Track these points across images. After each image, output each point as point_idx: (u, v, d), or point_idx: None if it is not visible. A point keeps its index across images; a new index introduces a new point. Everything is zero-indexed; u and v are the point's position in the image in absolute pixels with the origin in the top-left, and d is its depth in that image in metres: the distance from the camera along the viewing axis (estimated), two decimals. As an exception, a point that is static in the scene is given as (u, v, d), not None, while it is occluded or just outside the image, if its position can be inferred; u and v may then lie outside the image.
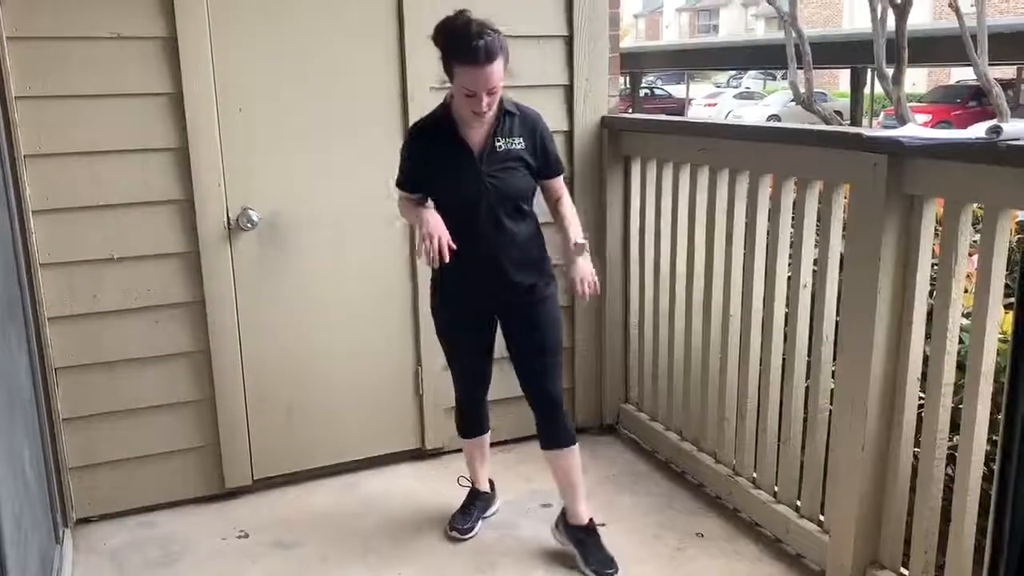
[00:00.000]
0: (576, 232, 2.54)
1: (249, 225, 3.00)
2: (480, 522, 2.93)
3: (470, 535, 2.87)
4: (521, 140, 2.50)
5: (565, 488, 2.72)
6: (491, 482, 3.03)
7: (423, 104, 3.13)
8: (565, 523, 2.74)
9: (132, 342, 2.95)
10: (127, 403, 2.98)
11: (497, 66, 2.29)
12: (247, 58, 2.93)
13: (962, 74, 24.39)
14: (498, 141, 2.47)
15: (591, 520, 2.72)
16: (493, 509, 3.01)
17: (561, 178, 2.65)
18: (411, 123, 3.12)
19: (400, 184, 2.60)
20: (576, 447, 2.69)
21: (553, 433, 2.67)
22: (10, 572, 1.85)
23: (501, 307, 2.63)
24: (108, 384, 2.95)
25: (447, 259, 2.34)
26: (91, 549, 2.87)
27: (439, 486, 3.23)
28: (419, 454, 3.43)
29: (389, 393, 3.34)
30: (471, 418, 2.89)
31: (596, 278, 2.50)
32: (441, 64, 2.38)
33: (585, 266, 2.48)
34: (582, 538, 2.70)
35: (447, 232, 2.38)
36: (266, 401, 3.16)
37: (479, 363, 2.75)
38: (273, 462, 3.22)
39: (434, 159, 2.49)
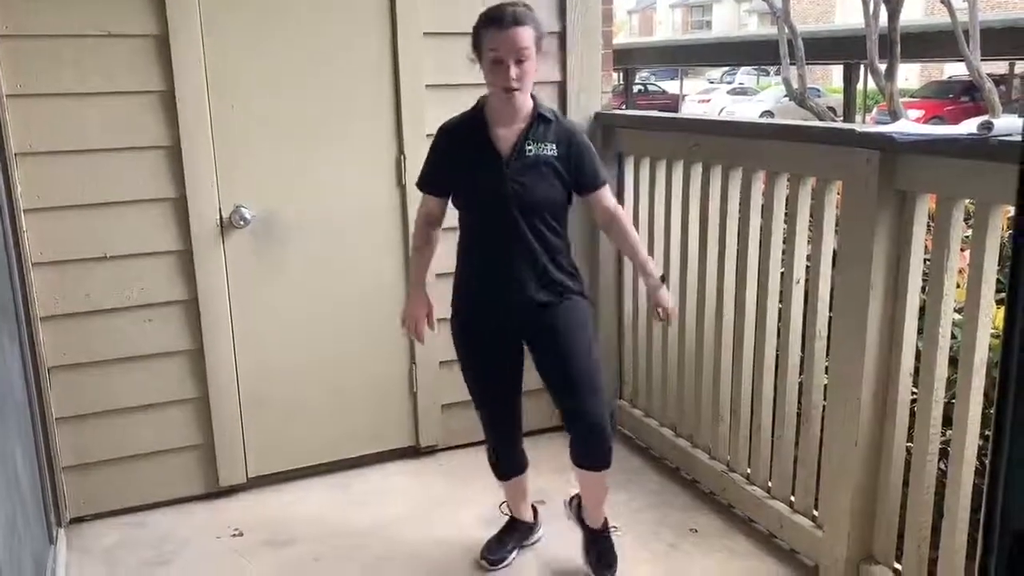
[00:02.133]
0: (651, 264, 2.53)
1: (242, 223, 2.99)
2: (515, 552, 2.73)
3: (501, 566, 2.68)
4: (555, 147, 2.35)
5: (588, 499, 2.61)
6: (535, 509, 2.82)
7: (417, 101, 3.14)
8: (580, 512, 2.66)
9: (125, 341, 2.94)
10: (120, 402, 2.97)
11: (525, 32, 2.20)
12: (239, 55, 2.92)
13: (955, 69, 24.46)
14: (528, 145, 2.33)
15: (605, 521, 2.64)
16: (535, 538, 2.81)
17: (607, 189, 2.48)
18: (403, 119, 3.14)
19: (420, 184, 2.48)
20: (606, 468, 2.48)
21: (584, 453, 2.44)
22: (3, 572, 1.84)
23: (520, 326, 2.43)
24: (101, 383, 2.94)
25: (421, 342, 2.50)
26: (85, 549, 2.86)
27: (433, 484, 3.23)
28: (413, 452, 3.43)
29: (383, 391, 3.33)
30: (504, 461, 2.65)
31: (674, 308, 2.55)
32: (472, 47, 2.30)
33: (664, 296, 2.52)
34: (594, 537, 2.63)
35: (424, 317, 2.48)
36: (260, 399, 3.15)
37: (500, 393, 2.51)
38: (267, 460, 3.22)
39: (459, 157, 2.37)
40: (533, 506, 2.80)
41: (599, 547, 2.61)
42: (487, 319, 2.45)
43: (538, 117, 2.36)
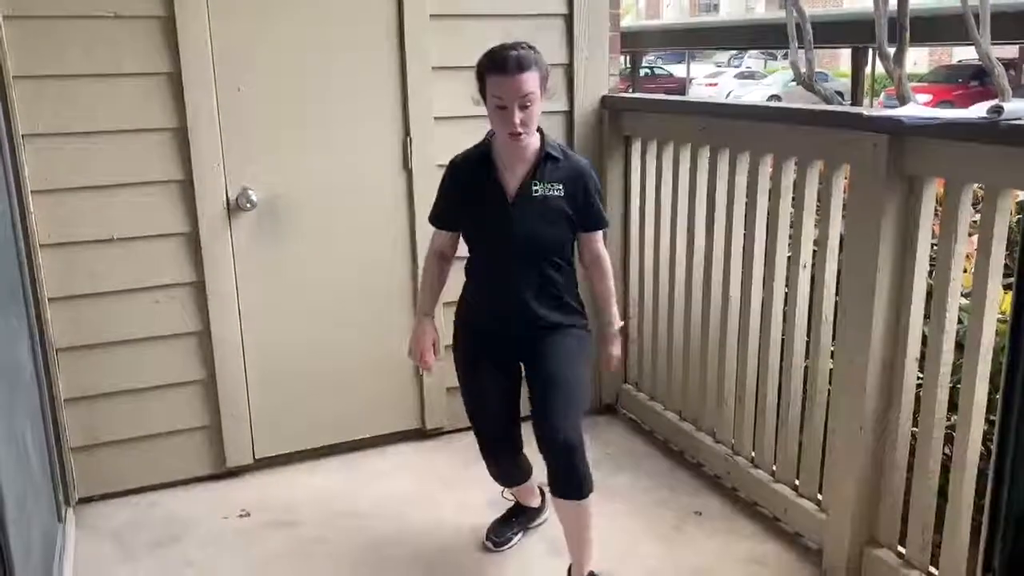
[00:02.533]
0: (615, 316, 2.52)
1: (249, 205, 2.99)
2: (521, 534, 2.75)
3: (506, 547, 2.71)
4: (561, 187, 2.31)
5: (572, 540, 2.42)
6: (541, 492, 2.78)
7: (424, 83, 3.13)
8: None
9: (133, 322, 2.95)
10: (128, 383, 2.99)
11: (529, 76, 2.16)
12: (246, 38, 2.92)
13: (964, 53, 24.28)
14: (535, 186, 2.30)
15: (591, 573, 2.42)
16: (540, 520, 2.81)
17: (600, 235, 2.46)
18: (409, 102, 3.13)
19: (432, 219, 2.48)
20: (589, 500, 2.33)
21: (564, 481, 2.31)
22: (13, 550, 1.86)
23: (518, 351, 2.42)
24: (109, 364, 2.95)
25: (430, 372, 2.55)
26: (93, 528, 2.89)
27: (439, 466, 3.24)
28: (419, 434, 3.44)
29: (389, 373, 3.34)
30: (503, 478, 2.65)
31: (620, 359, 2.57)
32: (478, 89, 2.26)
33: (618, 346, 2.54)
34: None
35: (431, 348, 2.47)
36: (266, 381, 3.17)
37: (496, 421, 2.48)
38: (274, 442, 3.24)
39: (468, 196, 2.36)
40: (540, 489, 2.80)
41: None
42: (489, 347, 2.45)
43: (545, 156, 2.32)
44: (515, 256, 2.33)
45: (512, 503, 2.78)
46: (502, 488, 2.73)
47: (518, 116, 2.18)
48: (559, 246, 2.37)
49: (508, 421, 2.49)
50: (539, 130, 2.32)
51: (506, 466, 2.60)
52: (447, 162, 2.45)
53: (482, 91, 2.25)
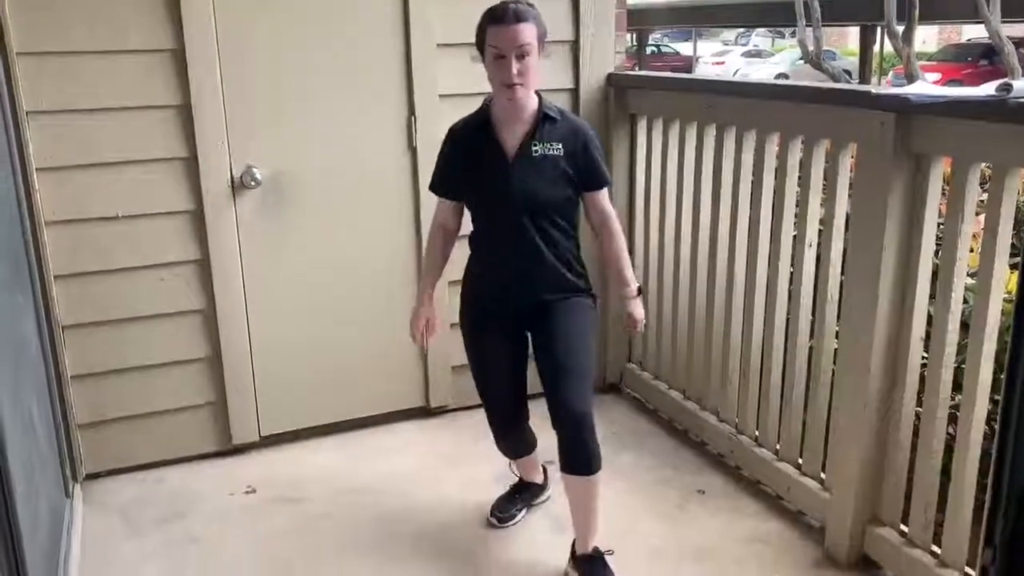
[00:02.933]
0: (631, 274, 2.51)
1: (253, 183, 2.99)
2: (525, 511, 2.78)
3: (510, 523, 2.74)
4: (561, 147, 2.32)
5: (578, 515, 2.43)
6: (544, 470, 2.82)
7: (429, 61, 3.11)
8: (574, 558, 2.48)
9: (138, 300, 2.96)
10: (134, 360, 3.00)
11: (526, 27, 2.19)
12: (250, 14, 2.90)
13: (973, 32, 24.05)
14: (535, 145, 2.31)
15: (596, 549, 2.43)
16: (544, 497, 2.84)
17: (605, 193, 2.45)
18: (414, 80, 3.12)
19: (433, 187, 2.48)
20: (597, 476, 2.36)
21: (573, 455, 2.33)
22: (21, 525, 1.88)
23: (525, 321, 2.43)
24: (115, 341, 2.96)
25: (424, 350, 2.48)
26: (100, 503, 2.91)
27: (444, 443, 3.26)
28: (424, 412, 3.46)
29: (394, 351, 3.35)
30: (510, 448, 2.68)
31: (643, 320, 2.55)
32: (477, 46, 2.29)
33: (639, 308, 2.52)
34: (587, 570, 2.42)
35: (422, 329, 2.48)
36: (272, 358, 3.18)
37: (504, 389, 2.51)
38: (279, 419, 3.25)
39: (468, 160, 2.37)
40: (543, 467, 2.82)
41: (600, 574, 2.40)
42: (494, 317, 2.45)
43: (544, 117, 2.33)
44: (516, 218, 2.32)
45: (516, 480, 2.80)
46: (508, 461, 2.76)
47: (515, 66, 2.20)
48: (560, 206, 2.36)
49: (515, 392, 2.52)
50: (537, 93, 2.33)
51: (512, 438, 2.63)
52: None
53: (480, 46, 2.28)
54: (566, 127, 2.37)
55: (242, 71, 2.92)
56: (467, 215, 2.48)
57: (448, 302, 2.68)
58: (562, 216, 2.37)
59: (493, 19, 2.22)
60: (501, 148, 2.33)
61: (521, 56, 2.20)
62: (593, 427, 2.32)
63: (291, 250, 3.12)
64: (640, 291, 2.53)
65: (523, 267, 2.36)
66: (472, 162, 2.37)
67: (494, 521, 2.73)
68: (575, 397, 2.31)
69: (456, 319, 2.56)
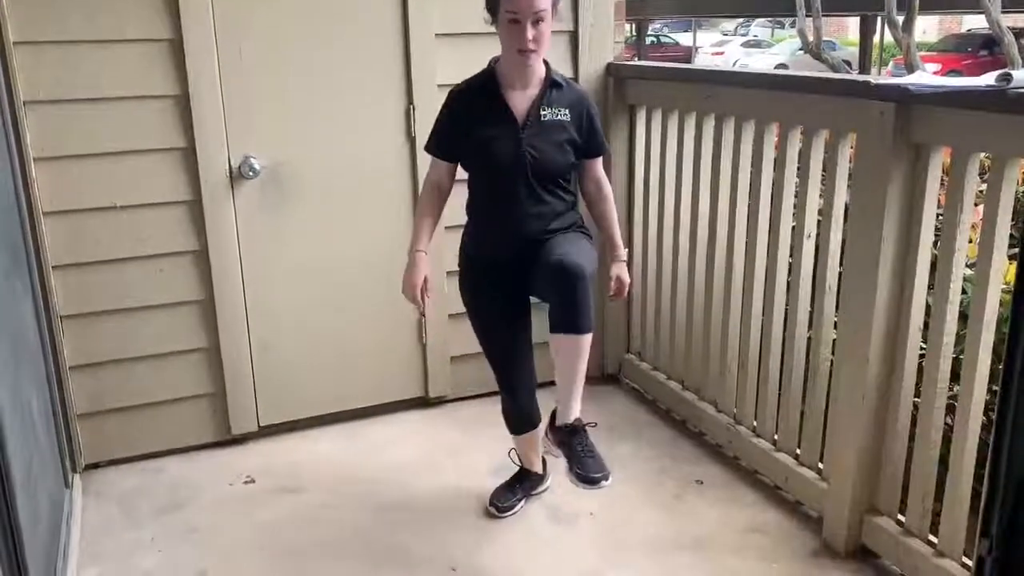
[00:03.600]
0: (620, 240, 2.56)
1: (251, 173, 2.98)
2: (523, 501, 2.78)
3: (509, 513, 2.73)
4: (567, 112, 2.37)
5: (564, 381, 2.33)
6: (544, 461, 2.81)
7: (427, 51, 3.11)
8: (552, 427, 2.42)
9: (136, 290, 2.96)
10: (133, 351, 3.00)
11: None
12: (248, 3, 2.89)
13: (974, 22, 23.99)
14: (544, 110, 2.34)
15: (578, 420, 2.35)
16: (543, 487, 2.84)
17: (601, 160, 2.51)
18: (413, 70, 3.11)
19: (430, 147, 2.46)
20: (588, 337, 2.26)
21: (566, 311, 2.22)
22: (21, 515, 1.88)
23: (524, 272, 2.39)
24: (114, 332, 2.96)
25: (422, 311, 2.53)
26: (100, 494, 2.92)
27: (443, 434, 3.26)
28: (423, 402, 3.46)
29: (393, 342, 3.35)
30: (517, 410, 2.62)
31: (628, 285, 2.56)
32: (489, 15, 2.28)
33: (625, 273, 2.54)
34: (569, 440, 2.34)
35: (422, 285, 2.41)
36: (270, 349, 3.18)
37: (507, 335, 2.52)
38: (278, 409, 3.26)
39: (473, 121, 2.36)
40: (543, 457, 2.81)
41: (578, 457, 2.31)
42: (494, 277, 2.47)
43: (551, 83, 2.36)
44: (521, 182, 2.34)
45: (517, 469, 2.79)
46: (509, 449, 2.76)
47: (530, 32, 2.21)
48: (564, 171, 2.41)
49: (520, 347, 2.54)
50: (544, 61, 2.35)
51: (522, 397, 2.59)
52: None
53: (492, 8, 2.27)
54: (572, 94, 2.41)
55: (240, 61, 2.91)
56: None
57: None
58: (565, 180, 2.42)
59: None
60: (510, 111, 2.34)
61: (536, 22, 2.21)
62: (588, 288, 2.21)
63: (290, 240, 3.12)
64: (624, 256, 2.57)
65: (525, 227, 2.37)
66: (480, 125, 2.35)
67: (493, 511, 2.73)
68: (574, 256, 2.23)
69: (451, 268, 2.57)
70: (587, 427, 2.36)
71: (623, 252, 2.56)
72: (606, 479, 2.29)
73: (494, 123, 2.34)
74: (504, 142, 2.33)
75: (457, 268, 2.54)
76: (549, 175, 2.37)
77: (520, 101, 2.34)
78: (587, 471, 2.29)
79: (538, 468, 2.81)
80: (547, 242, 2.37)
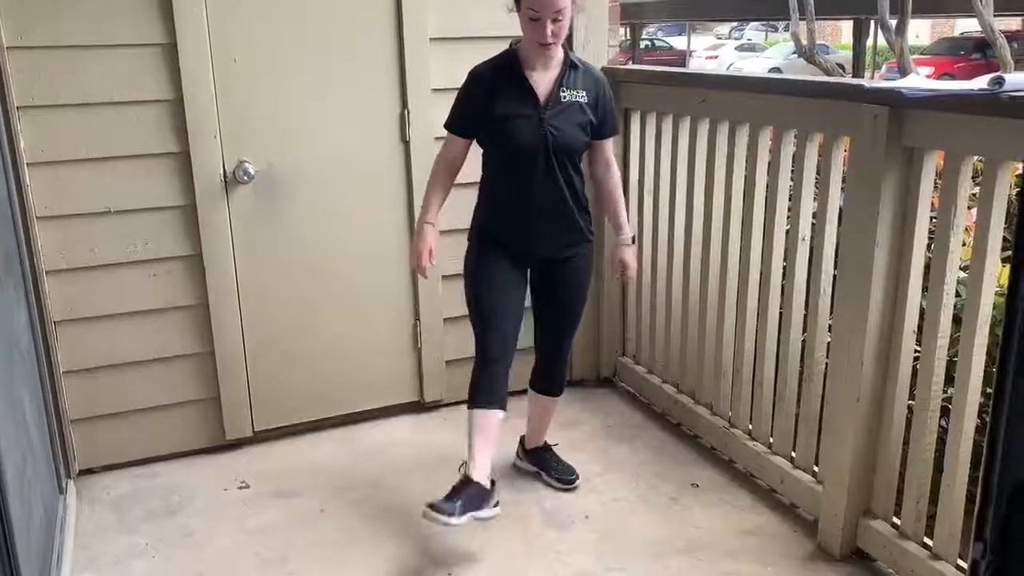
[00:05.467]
0: (626, 222, 2.71)
1: (246, 178, 2.98)
2: (466, 516, 2.39)
3: (447, 519, 2.35)
4: (585, 94, 2.50)
5: (537, 423, 2.92)
6: (492, 482, 2.54)
7: (421, 55, 3.11)
8: (524, 449, 2.97)
9: (130, 295, 2.95)
10: (127, 356, 2.99)
11: None
12: (242, 8, 2.89)
13: (966, 26, 24.10)
14: (564, 91, 2.47)
15: (545, 442, 2.96)
16: (487, 510, 2.47)
17: (611, 142, 2.66)
18: (407, 74, 3.11)
19: (450, 125, 2.56)
20: (560, 395, 2.87)
21: (550, 382, 2.82)
22: (14, 521, 1.87)
23: (537, 261, 2.62)
24: (108, 337, 2.95)
25: (425, 277, 2.66)
26: (94, 499, 2.91)
27: (437, 438, 3.26)
28: (418, 407, 3.46)
29: (388, 346, 3.35)
30: (486, 377, 2.52)
31: (635, 269, 2.75)
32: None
33: (631, 256, 2.70)
34: (542, 456, 2.94)
35: (428, 251, 2.51)
36: (265, 354, 3.17)
37: (506, 299, 2.57)
38: (273, 414, 3.25)
39: (497, 100, 2.45)
40: (492, 480, 2.55)
41: (555, 465, 2.91)
42: (510, 249, 2.57)
43: (571, 64, 2.49)
44: (541, 160, 2.45)
45: (460, 479, 2.50)
46: (460, 463, 2.55)
47: (550, 28, 2.35)
48: (580, 150, 2.54)
49: (514, 315, 2.60)
50: (562, 44, 2.47)
51: (498, 367, 2.53)
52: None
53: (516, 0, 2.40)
54: (590, 76, 2.54)
55: (234, 65, 2.91)
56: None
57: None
58: (579, 159, 2.55)
59: None
60: (533, 91, 2.45)
61: (556, 20, 2.34)
62: (568, 357, 2.81)
63: (284, 245, 3.11)
64: (635, 239, 2.72)
65: (541, 199, 2.49)
66: (503, 104, 2.45)
67: (427, 511, 2.38)
68: (567, 342, 2.76)
69: (447, 272, 2.72)
70: (553, 447, 2.97)
71: (629, 235, 2.70)
72: (577, 478, 2.89)
73: (518, 102, 2.45)
74: (527, 121, 2.44)
75: (454, 273, 2.59)
76: (567, 153, 2.49)
77: (542, 81, 2.47)
78: (563, 475, 2.89)
79: (483, 476, 2.49)
80: (561, 276, 2.62)
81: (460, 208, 2.66)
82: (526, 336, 2.71)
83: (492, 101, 2.46)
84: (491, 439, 2.54)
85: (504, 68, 2.48)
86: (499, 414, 2.55)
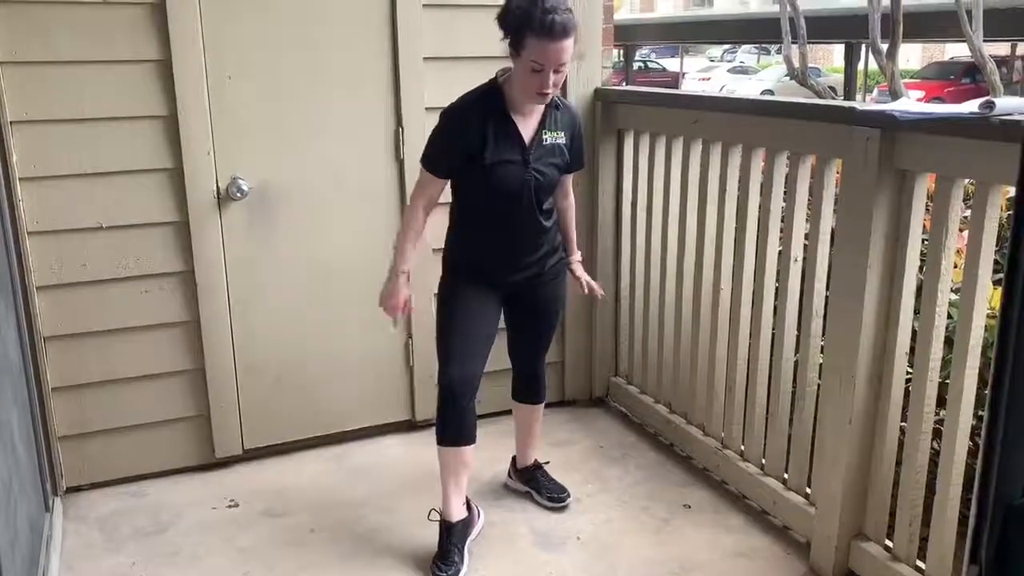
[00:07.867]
0: (575, 240, 2.76)
1: (239, 195, 2.97)
2: (467, 556, 2.56)
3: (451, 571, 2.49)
4: (563, 135, 2.48)
5: (525, 436, 2.91)
6: (467, 500, 2.67)
7: (416, 73, 3.12)
8: (516, 469, 2.97)
9: (121, 312, 2.93)
10: (117, 373, 2.97)
11: (569, 43, 2.22)
12: (237, 25, 2.89)
13: (956, 50, 24.34)
14: (545, 134, 2.43)
15: (536, 460, 2.95)
16: (475, 531, 2.68)
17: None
18: (401, 92, 3.11)
19: (433, 167, 2.43)
20: (543, 403, 2.89)
21: (532, 390, 2.87)
22: (0, 539, 1.85)
23: (515, 284, 2.57)
24: (98, 354, 2.94)
25: (394, 325, 2.84)
26: (81, 517, 2.88)
27: (429, 457, 3.23)
28: (409, 426, 3.44)
29: (380, 365, 3.34)
30: (455, 414, 2.51)
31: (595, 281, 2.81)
32: (508, 41, 2.26)
33: (585, 274, 2.78)
34: (533, 475, 2.93)
35: (402, 305, 2.51)
36: (256, 372, 3.16)
37: (477, 334, 2.49)
38: (263, 432, 3.23)
39: (483, 143, 2.35)
40: (467, 499, 2.67)
41: (546, 485, 2.90)
42: (487, 282, 2.54)
43: (554, 105, 2.44)
44: (524, 202, 2.43)
45: (439, 525, 2.60)
46: (429, 510, 2.63)
47: (552, 78, 2.26)
48: (555, 187, 2.53)
49: (483, 353, 2.53)
50: None
51: (464, 402, 2.49)
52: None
53: (515, 45, 2.25)
54: (567, 115, 2.52)
55: (229, 82, 2.91)
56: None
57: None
58: (552, 195, 2.54)
59: (541, 31, 2.18)
60: (519, 135, 2.41)
61: (558, 70, 2.26)
62: (544, 368, 2.85)
63: (277, 262, 3.11)
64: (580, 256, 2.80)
65: (526, 237, 2.50)
66: (491, 148, 2.36)
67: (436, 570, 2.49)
68: (540, 359, 2.81)
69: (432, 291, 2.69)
70: (544, 465, 2.96)
71: (578, 253, 2.77)
72: (568, 496, 2.89)
73: (506, 148, 2.38)
74: (515, 166, 2.40)
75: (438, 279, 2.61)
76: (545, 193, 2.48)
77: (526, 124, 2.42)
78: (554, 493, 2.89)
79: (459, 512, 2.60)
80: (538, 299, 2.64)
81: (443, 228, 2.61)
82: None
83: (482, 146, 2.35)
84: (463, 474, 2.62)
85: (489, 106, 2.37)
86: (470, 449, 2.59)
